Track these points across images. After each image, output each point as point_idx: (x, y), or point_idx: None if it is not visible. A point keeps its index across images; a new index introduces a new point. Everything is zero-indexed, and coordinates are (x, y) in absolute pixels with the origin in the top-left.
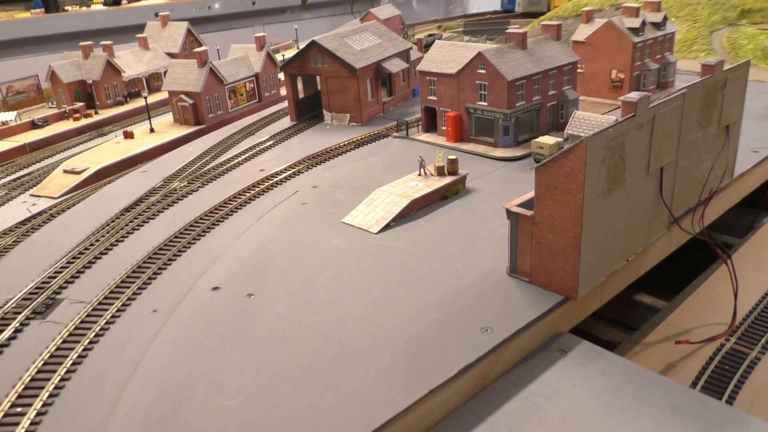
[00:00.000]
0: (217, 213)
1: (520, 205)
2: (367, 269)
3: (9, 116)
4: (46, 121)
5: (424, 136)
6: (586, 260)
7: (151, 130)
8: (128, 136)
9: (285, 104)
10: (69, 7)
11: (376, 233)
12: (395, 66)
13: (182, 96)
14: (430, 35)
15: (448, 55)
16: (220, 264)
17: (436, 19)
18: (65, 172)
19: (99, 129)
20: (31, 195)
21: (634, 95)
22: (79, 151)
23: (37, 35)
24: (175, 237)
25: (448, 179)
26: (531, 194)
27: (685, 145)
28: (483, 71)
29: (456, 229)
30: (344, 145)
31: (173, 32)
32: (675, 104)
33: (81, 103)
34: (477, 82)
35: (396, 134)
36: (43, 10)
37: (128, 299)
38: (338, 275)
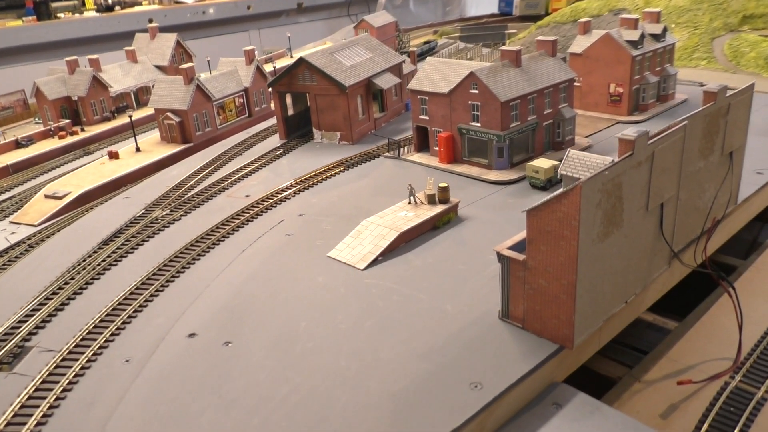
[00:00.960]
0: (199, 246)
1: (511, 247)
2: (352, 311)
3: None
4: (30, 140)
5: (416, 157)
6: (582, 308)
7: (137, 149)
8: (113, 156)
9: (276, 119)
10: (61, 15)
11: (362, 269)
12: (387, 81)
13: (169, 114)
14: (426, 42)
15: (440, 73)
16: (198, 306)
17: (432, 24)
18: (46, 197)
19: (85, 147)
20: (11, 222)
21: (631, 133)
22: (63, 172)
23: (30, 43)
24: (154, 274)
25: (439, 208)
26: (523, 234)
27: (686, 177)
28: (476, 91)
29: (446, 263)
30: (333, 166)
31: (162, 44)
32: (675, 138)
33: (67, 120)
34: (469, 102)
35: (387, 154)
36: (35, 17)
37: (100, 347)
38: (321, 319)
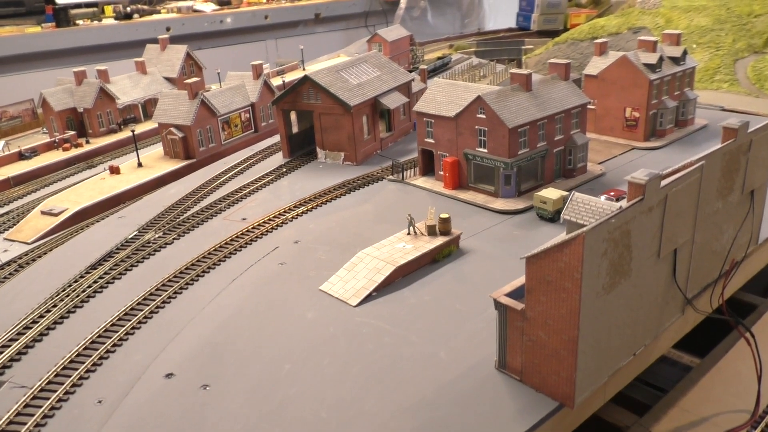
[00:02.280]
0: (188, 273)
1: (510, 294)
2: (340, 354)
3: None
4: (34, 152)
5: (421, 181)
6: (585, 364)
7: (139, 165)
8: (114, 171)
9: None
10: (80, 22)
11: (355, 305)
12: (394, 101)
13: (172, 129)
14: (440, 57)
15: (447, 96)
16: (179, 342)
17: (449, 38)
18: (42, 213)
19: (89, 160)
20: (5, 239)
21: (642, 175)
22: (64, 186)
23: (48, 50)
24: (139, 304)
25: (440, 240)
26: (522, 279)
27: (703, 219)
28: (483, 116)
29: (444, 302)
30: (335, 188)
31: (172, 56)
32: (691, 179)
33: (72, 132)
34: (476, 127)
35: (391, 177)
36: (54, 24)
37: (74, 385)
38: (307, 361)
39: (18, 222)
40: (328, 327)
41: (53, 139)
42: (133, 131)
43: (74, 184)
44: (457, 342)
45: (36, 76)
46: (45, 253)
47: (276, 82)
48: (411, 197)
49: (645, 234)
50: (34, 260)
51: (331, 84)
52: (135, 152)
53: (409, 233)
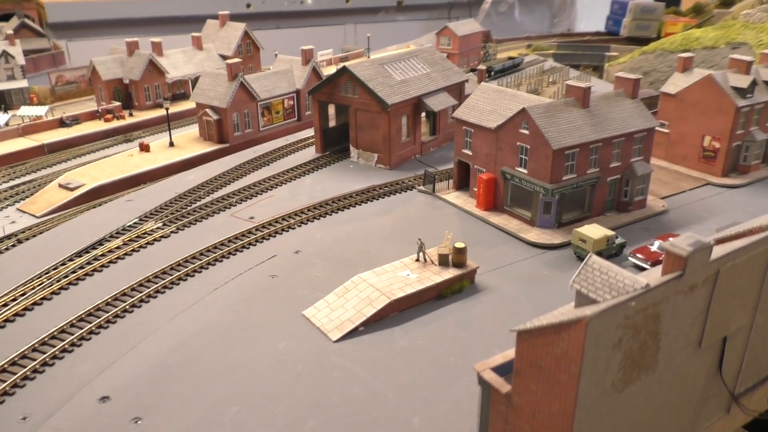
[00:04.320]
0: (171, 275)
1: (500, 368)
2: (299, 402)
3: (40, 111)
4: (76, 120)
5: (453, 196)
6: None
7: (171, 144)
8: (144, 149)
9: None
10: None
11: (335, 341)
12: (440, 102)
13: (208, 110)
14: (511, 57)
15: (491, 103)
16: (132, 357)
17: (529, 37)
18: (60, 186)
19: (127, 134)
20: (18, 209)
21: (684, 244)
22: (94, 158)
23: (123, 18)
24: (107, 304)
25: (451, 273)
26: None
27: None
28: (526, 132)
29: (437, 351)
30: (358, 193)
31: (230, 33)
32: (757, 251)
33: (117, 103)
34: (518, 143)
35: (422, 188)
36: None
37: (4, 393)
38: (258, 405)
39: (36, 191)
40: (297, 364)
41: (97, 109)
42: (167, 108)
43: (104, 157)
44: (437, 409)
45: (107, 42)
46: (48, 229)
47: (331, 70)
48: (437, 214)
49: (682, 319)
50: (34, 236)
51: (371, 78)
52: (177, 129)
53: (418, 260)
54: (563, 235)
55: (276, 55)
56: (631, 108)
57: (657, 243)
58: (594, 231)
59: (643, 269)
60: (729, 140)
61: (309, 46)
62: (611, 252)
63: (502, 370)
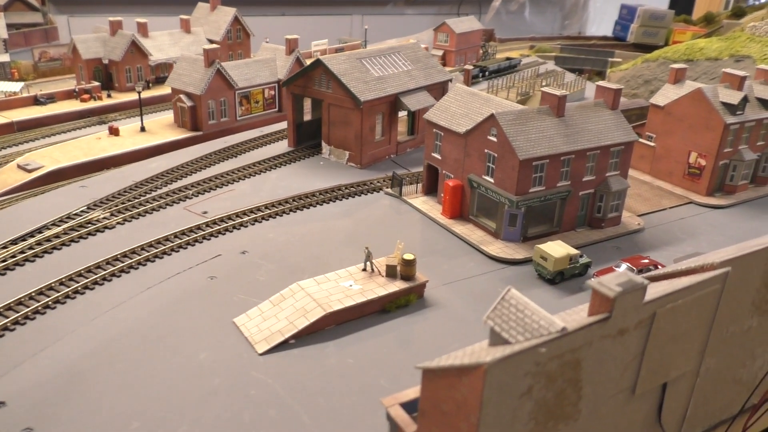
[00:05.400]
0: (105, 270)
1: (408, 404)
2: (206, 422)
3: (15, 87)
4: (51, 98)
5: (420, 201)
6: None
7: (142, 129)
8: (113, 132)
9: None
10: None
11: (260, 353)
12: (418, 102)
13: (182, 96)
14: (508, 58)
15: (463, 106)
16: (40, 359)
17: (533, 38)
18: (18, 167)
19: (103, 115)
20: None
21: (612, 283)
22: (63, 139)
23: None
24: (30, 298)
25: (397, 286)
26: None
27: (722, 342)
28: (494, 139)
29: (368, 371)
30: (323, 192)
31: (219, 18)
32: (703, 293)
33: (96, 83)
34: (486, 150)
35: (389, 191)
36: None
37: None
38: (161, 424)
39: None
40: (214, 378)
41: (74, 88)
42: (139, 92)
43: (72, 138)
44: None
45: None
46: None
47: None
48: (400, 219)
49: (610, 365)
50: None
51: (345, 72)
52: (154, 113)
53: (364, 269)
54: (527, 250)
55: (266, 41)
56: (610, 119)
57: (624, 265)
58: (556, 249)
59: None
60: (716, 158)
61: (294, 35)
62: (574, 272)
63: (413, 407)
